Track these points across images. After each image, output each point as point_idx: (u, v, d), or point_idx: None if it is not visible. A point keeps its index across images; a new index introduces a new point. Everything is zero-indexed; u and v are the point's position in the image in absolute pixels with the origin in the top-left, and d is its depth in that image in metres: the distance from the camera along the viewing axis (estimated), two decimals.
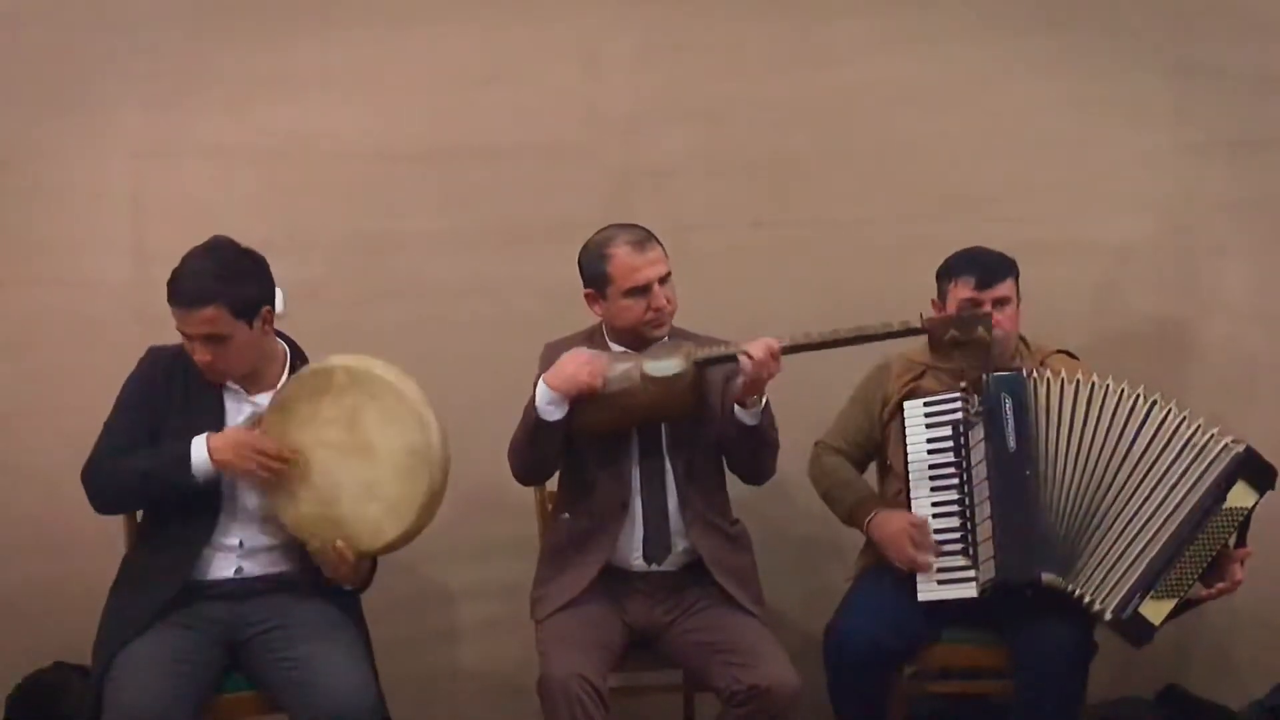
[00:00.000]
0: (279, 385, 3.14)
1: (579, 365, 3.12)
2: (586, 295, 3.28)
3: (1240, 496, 3.14)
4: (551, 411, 3.12)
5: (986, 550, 3.15)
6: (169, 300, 3.04)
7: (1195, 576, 3.12)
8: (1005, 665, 3.20)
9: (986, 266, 3.36)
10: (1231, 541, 3.16)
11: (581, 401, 3.13)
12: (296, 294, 3.85)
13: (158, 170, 3.94)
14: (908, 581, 3.25)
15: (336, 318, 3.79)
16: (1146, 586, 3.09)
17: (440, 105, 3.95)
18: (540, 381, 3.14)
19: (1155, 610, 3.09)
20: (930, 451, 3.31)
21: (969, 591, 3.18)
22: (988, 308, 3.31)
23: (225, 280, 3.02)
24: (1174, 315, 3.90)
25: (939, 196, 3.91)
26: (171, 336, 3.24)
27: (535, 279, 3.83)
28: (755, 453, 3.25)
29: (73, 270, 3.94)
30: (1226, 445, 3.17)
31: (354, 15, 3.95)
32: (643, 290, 3.20)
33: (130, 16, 3.92)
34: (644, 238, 3.23)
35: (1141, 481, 3.16)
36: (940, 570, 3.23)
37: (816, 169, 3.94)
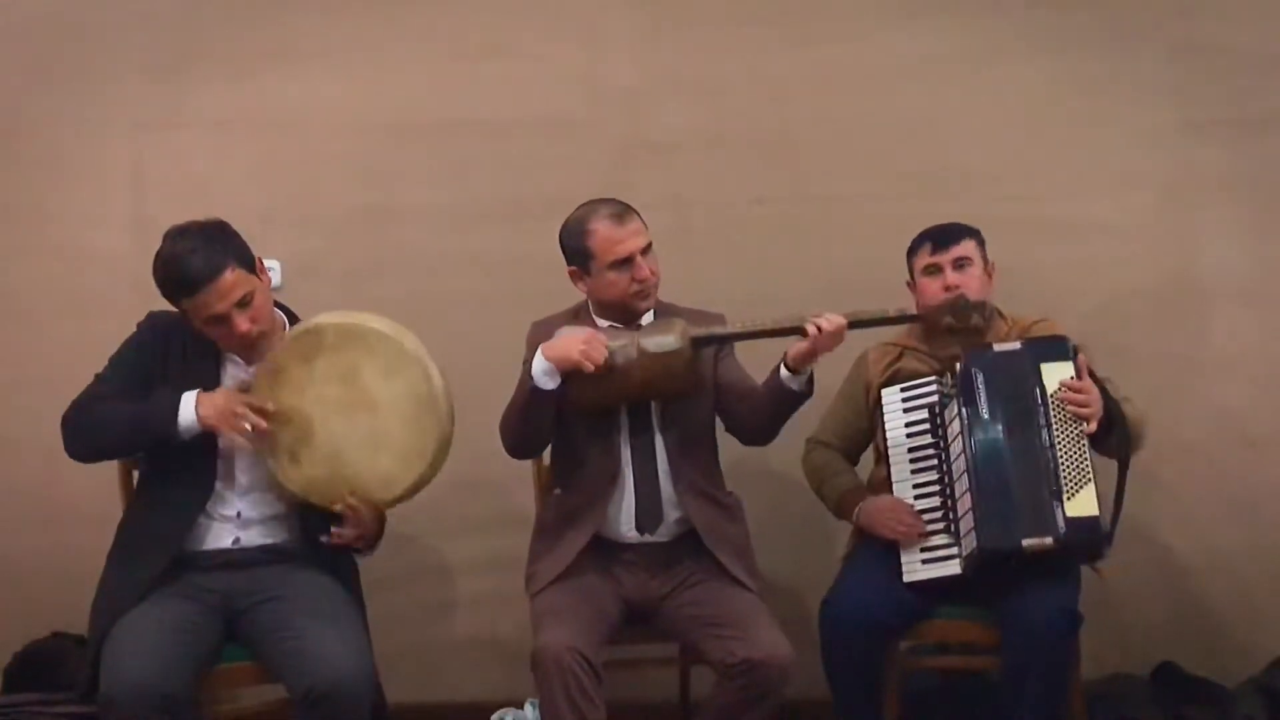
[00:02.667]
0: None
1: (577, 344, 3.12)
2: (570, 273, 3.28)
3: (1055, 374, 3.19)
4: (546, 381, 3.13)
5: (967, 524, 3.17)
6: (185, 294, 2.99)
7: (1085, 456, 3.13)
8: (998, 641, 3.21)
9: (942, 231, 3.43)
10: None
11: (576, 374, 3.13)
12: (295, 266, 3.88)
13: (157, 142, 3.95)
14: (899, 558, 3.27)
15: (335, 291, 3.79)
16: (1055, 494, 3.10)
17: (441, 79, 3.95)
18: (538, 351, 3.14)
19: (1081, 505, 3.09)
20: (909, 435, 3.35)
21: (952, 569, 3.20)
22: (948, 271, 3.36)
23: (219, 244, 3.02)
24: (1172, 294, 3.90)
25: (938, 174, 3.91)
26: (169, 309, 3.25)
27: (535, 253, 3.80)
28: (781, 417, 3.25)
29: (72, 242, 3.95)
30: (1009, 348, 3.24)
31: None
32: (626, 262, 3.20)
33: None
34: (622, 210, 3.23)
35: (1032, 420, 3.18)
36: (924, 550, 3.25)
37: (817, 145, 3.94)
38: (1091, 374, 3.21)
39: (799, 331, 3.12)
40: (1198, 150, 3.87)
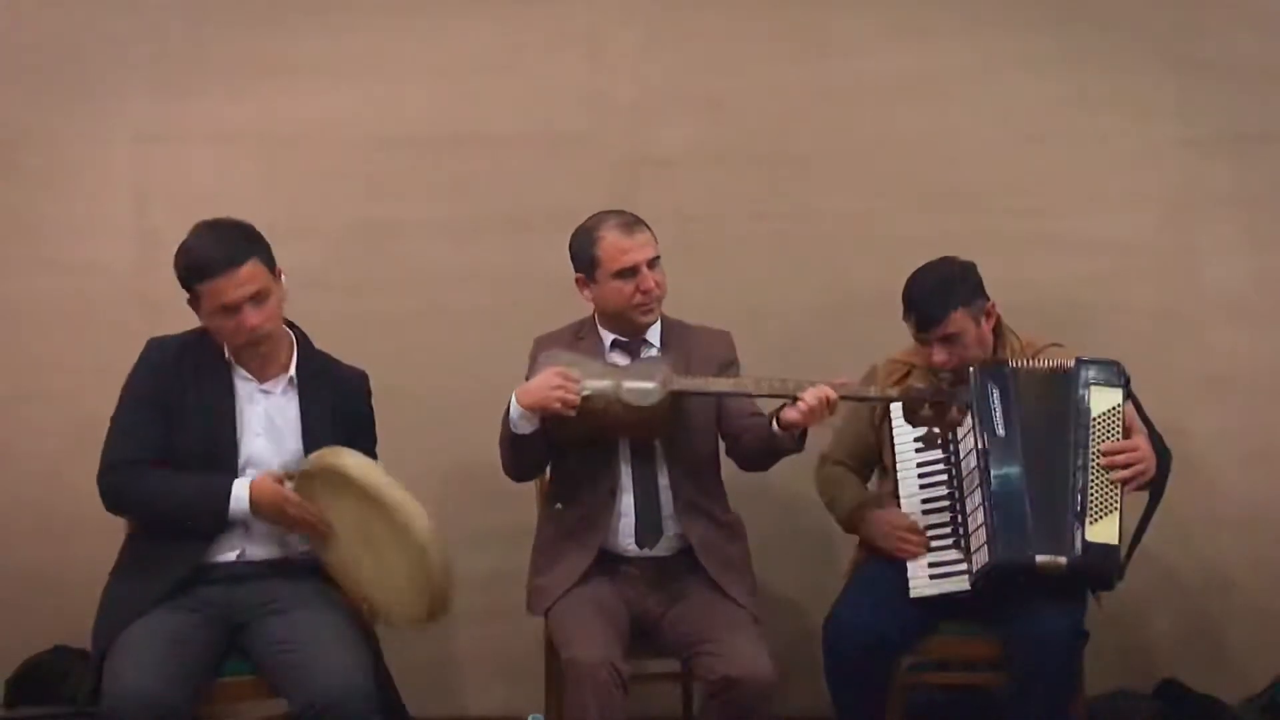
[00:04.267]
0: (289, 372, 3.15)
1: (549, 388, 3.11)
2: (577, 280, 3.30)
3: (1102, 400, 3.19)
4: (523, 426, 3.14)
5: (979, 539, 3.16)
6: (202, 277, 3.00)
7: (1117, 487, 3.14)
8: (1001, 657, 3.21)
9: (925, 308, 3.29)
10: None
11: (553, 417, 3.14)
12: (298, 281, 3.84)
13: (161, 156, 3.94)
14: (904, 574, 3.26)
15: (338, 305, 3.78)
16: (1079, 516, 3.11)
17: (444, 93, 3.95)
18: (513, 396, 3.15)
19: (1102, 531, 3.10)
20: (919, 450, 3.33)
21: (961, 585, 3.20)
22: (936, 349, 3.30)
23: (246, 238, 3.06)
24: (1175, 310, 3.90)
25: (941, 190, 3.91)
26: (174, 322, 3.25)
27: (537, 268, 3.83)
28: (770, 459, 3.26)
29: (76, 255, 3.94)
30: (1063, 364, 3.24)
31: (358, 2, 3.96)
32: (631, 272, 3.21)
33: (135, 2, 3.93)
34: (632, 221, 3.25)
35: (1064, 438, 3.19)
36: (932, 565, 3.25)
37: (819, 161, 3.94)
38: (1140, 409, 3.22)
39: (788, 398, 3.09)
40: (1199, 166, 3.88)
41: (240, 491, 3.03)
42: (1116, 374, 3.23)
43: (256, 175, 3.94)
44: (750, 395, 3.21)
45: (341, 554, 3.08)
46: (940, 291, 3.31)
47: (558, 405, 3.10)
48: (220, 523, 3.04)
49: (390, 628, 3.15)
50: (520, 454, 3.20)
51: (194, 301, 3.08)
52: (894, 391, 3.17)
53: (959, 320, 3.31)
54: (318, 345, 3.25)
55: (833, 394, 3.07)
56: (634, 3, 3.95)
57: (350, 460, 3.00)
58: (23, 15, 3.93)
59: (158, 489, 3.06)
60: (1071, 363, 3.25)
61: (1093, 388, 3.21)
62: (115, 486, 3.08)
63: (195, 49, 3.94)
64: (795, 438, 3.15)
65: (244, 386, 3.15)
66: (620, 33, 3.96)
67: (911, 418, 3.16)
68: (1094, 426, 3.18)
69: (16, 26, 3.93)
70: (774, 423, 3.14)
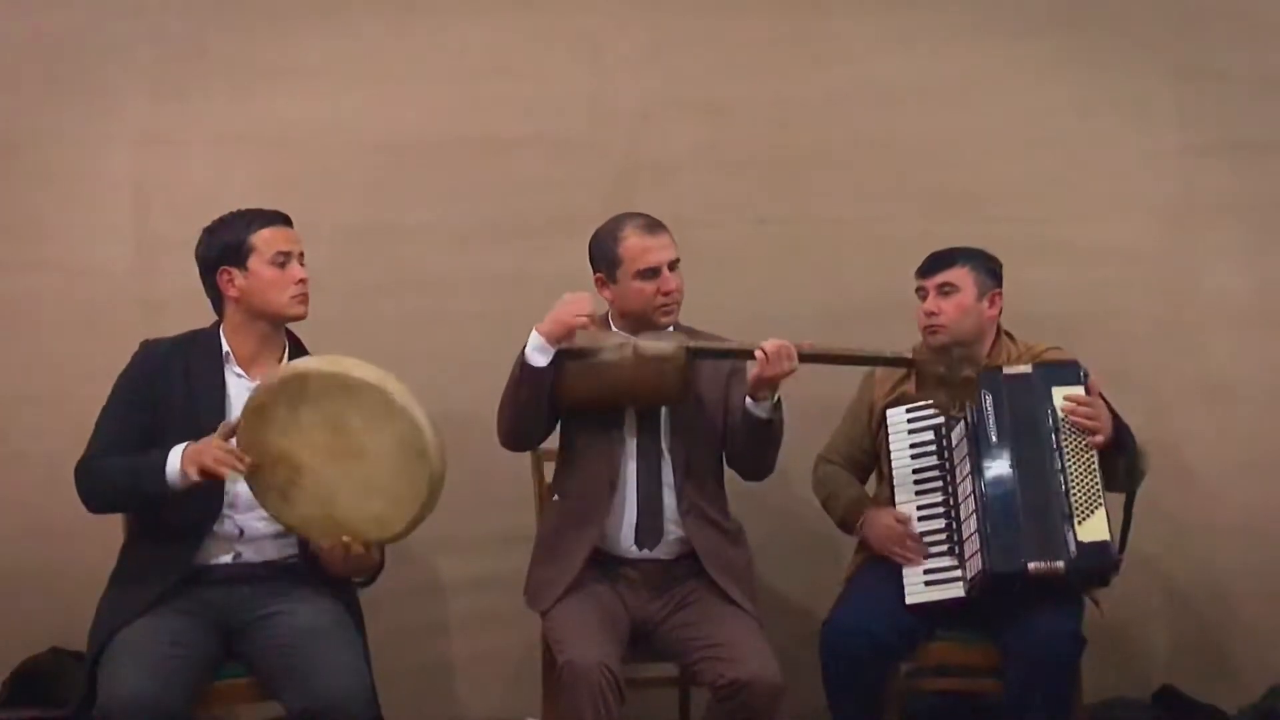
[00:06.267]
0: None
1: (567, 305, 3.14)
2: (596, 280, 3.30)
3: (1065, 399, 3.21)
4: (537, 358, 3.13)
5: (972, 546, 3.16)
6: (263, 223, 3.13)
7: (1095, 481, 3.14)
8: (999, 664, 3.21)
9: (936, 254, 3.43)
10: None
11: (569, 360, 3.14)
12: None
13: (161, 158, 3.94)
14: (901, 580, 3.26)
15: (338, 309, 3.76)
16: (1067, 518, 3.11)
17: (445, 97, 3.95)
18: (531, 332, 3.15)
19: (1093, 529, 3.10)
20: (914, 456, 3.35)
21: (956, 592, 3.20)
22: (931, 296, 3.37)
23: None
24: (1175, 317, 3.91)
25: (941, 196, 3.92)
26: (173, 323, 3.26)
27: (537, 272, 3.83)
28: (760, 447, 3.26)
29: (75, 257, 3.94)
30: (1020, 371, 3.25)
31: (360, 5, 3.96)
32: (654, 272, 3.22)
33: (136, 4, 3.93)
34: (654, 222, 3.28)
35: (1042, 442, 3.19)
36: (927, 572, 3.25)
37: (820, 166, 3.95)
38: (1102, 397, 3.22)
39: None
40: (1199, 173, 3.89)
41: (174, 458, 2.98)
42: (1075, 372, 3.23)
43: (257, 178, 3.93)
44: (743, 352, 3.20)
45: (310, 493, 2.97)
46: (954, 249, 3.43)
47: (571, 318, 3.12)
48: (167, 493, 2.97)
49: (395, 542, 3.08)
50: (525, 397, 3.16)
51: (234, 266, 3.11)
52: (909, 354, 3.18)
53: (960, 274, 3.38)
54: (318, 349, 3.25)
55: (782, 343, 3.08)
56: (635, 8, 3.96)
57: (300, 361, 3.02)
58: (23, 15, 3.93)
59: (108, 473, 3.04)
60: (1029, 368, 3.26)
61: (1054, 389, 3.21)
62: (80, 484, 3.07)
63: (196, 51, 3.94)
64: (771, 406, 3.15)
65: (235, 383, 3.15)
66: (621, 38, 3.96)
67: (924, 382, 3.18)
68: (1063, 427, 3.18)
69: (16, 27, 3.92)
70: (746, 396, 3.16)
